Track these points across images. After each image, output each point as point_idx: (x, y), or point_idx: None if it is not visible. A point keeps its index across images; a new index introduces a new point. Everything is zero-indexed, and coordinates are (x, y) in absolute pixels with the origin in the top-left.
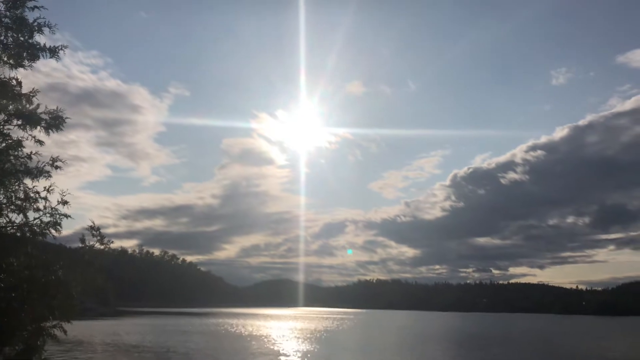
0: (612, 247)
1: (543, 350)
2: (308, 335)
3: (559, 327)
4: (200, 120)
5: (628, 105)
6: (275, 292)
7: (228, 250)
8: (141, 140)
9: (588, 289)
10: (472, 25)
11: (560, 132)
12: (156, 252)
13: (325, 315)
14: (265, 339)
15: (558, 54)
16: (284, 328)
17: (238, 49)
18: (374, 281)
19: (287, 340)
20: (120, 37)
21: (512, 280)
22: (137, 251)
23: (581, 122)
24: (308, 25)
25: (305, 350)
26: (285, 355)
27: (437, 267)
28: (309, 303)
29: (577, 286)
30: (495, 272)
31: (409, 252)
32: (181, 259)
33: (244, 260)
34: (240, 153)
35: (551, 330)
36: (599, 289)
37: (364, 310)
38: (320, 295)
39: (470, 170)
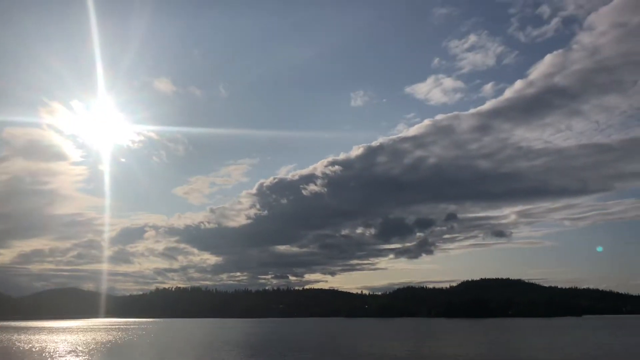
0: (391, 255)
1: (328, 352)
2: (94, 349)
3: (344, 330)
4: None
5: (412, 131)
6: (60, 302)
7: (3, 256)
8: None
9: (370, 293)
10: (283, 43)
11: (356, 151)
12: None
13: (117, 327)
14: (45, 355)
15: (357, 77)
16: (69, 342)
17: (22, 39)
18: (173, 289)
19: (70, 355)
20: None
21: (307, 286)
22: None
23: (374, 143)
24: (100, 17)
25: None
26: None
27: (239, 274)
28: (100, 314)
29: (362, 291)
30: (292, 278)
31: (211, 259)
32: None
33: (23, 267)
34: (25, 145)
35: (337, 333)
36: (379, 293)
37: (161, 320)
38: (113, 305)
39: (276, 180)
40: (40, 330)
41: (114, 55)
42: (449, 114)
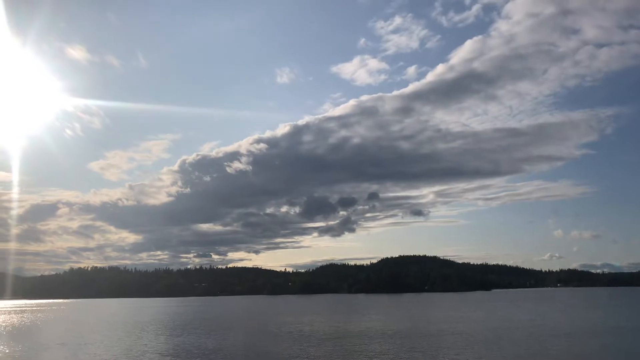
0: (315, 234)
1: (250, 329)
2: (1, 333)
3: (268, 307)
4: None
5: (337, 111)
6: None
7: None
8: None
9: (294, 271)
10: (207, 14)
11: (282, 129)
12: None
13: (26, 309)
14: None
15: (283, 54)
16: None
17: None
18: (89, 269)
19: None
20: None
21: (230, 265)
22: None
23: (299, 122)
24: None
25: None
26: None
27: (159, 253)
28: (7, 295)
29: (285, 269)
30: (215, 257)
31: (129, 237)
32: None
33: None
34: None
35: (261, 310)
36: (303, 271)
37: (76, 300)
38: (22, 286)
39: (199, 157)
40: None
41: (21, 15)
42: (374, 95)
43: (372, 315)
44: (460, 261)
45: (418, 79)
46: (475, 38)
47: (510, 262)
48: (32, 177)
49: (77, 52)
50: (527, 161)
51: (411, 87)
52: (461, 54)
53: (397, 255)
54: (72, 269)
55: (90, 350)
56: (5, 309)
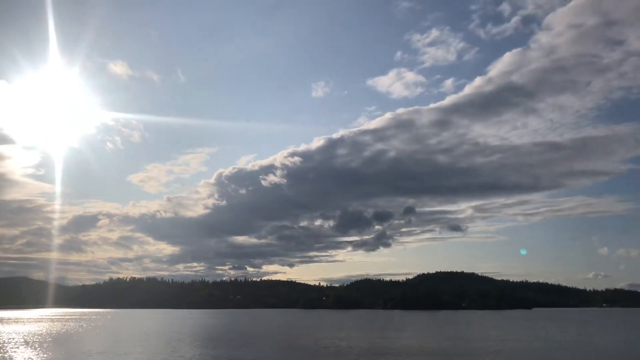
0: (349, 248)
1: (281, 342)
2: (44, 340)
3: (300, 321)
4: None
5: (372, 124)
6: (9, 291)
7: None
8: None
9: (328, 285)
10: (245, 31)
11: (317, 142)
12: None
13: (68, 317)
14: None
15: (319, 68)
16: (17, 332)
17: None
18: (128, 279)
19: (17, 346)
20: None
21: (265, 278)
22: None
23: (334, 135)
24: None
25: (37, 356)
26: None
27: (195, 264)
28: (51, 304)
29: (319, 283)
30: (250, 269)
31: (167, 249)
32: None
33: None
34: None
35: (292, 324)
36: (337, 285)
37: (115, 310)
38: (65, 295)
39: (235, 170)
40: None
41: (69, 37)
42: (410, 108)
43: (410, 332)
44: (499, 278)
45: (455, 92)
46: (514, 50)
47: (551, 280)
48: (74, 189)
49: (118, 68)
50: (569, 176)
51: (448, 100)
52: (500, 67)
53: (433, 272)
54: (111, 279)
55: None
56: (48, 317)
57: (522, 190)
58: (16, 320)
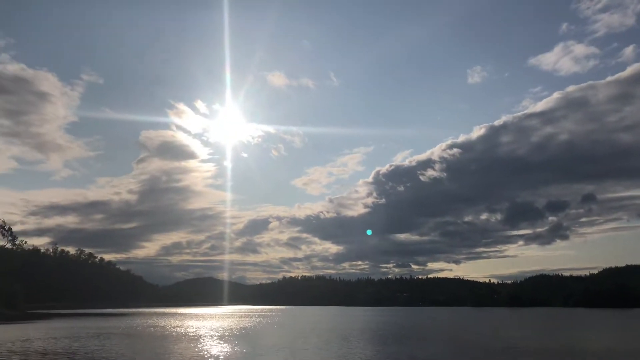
0: (521, 242)
1: (460, 340)
2: (232, 334)
3: (473, 319)
4: (115, 110)
5: (539, 106)
6: (198, 290)
7: (147, 249)
8: (50, 130)
9: (499, 282)
10: (393, 26)
11: (477, 132)
12: (71, 250)
13: (249, 313)
14: (187, 339)
15: (474, 53)
16: (208, 327)
17: (158, 41)
18: (299, 278)
19: (210, 339)
20: (24, 17)
21: (430, 275)
22: (51, 250)
23: (496, 122)
24: (232, 19)
25: (229, 349)
26: (209, 355)
27: (360, 262)
28: (233, 301)
29: (489, 280)
30: (414, 267)
31: (332, 248)
32: (99, 257)
33: (165, 258)
34: (159, 146)
35: (467, 322)
36: (509, 282)
37: (288, 307)
38: (244, 293)
39: (392, 167)
40: (186, 316)
41: (241, 55)
42: (582, 85)
43: (607, 332)
44: None
45: (638, 60)
46: None
47: None
48: (247, 195)
49: (277, 79)
50: None
51: (629, 70)
52: None
53: (622, 265)
54: (284, 278)
55: (306, 355)
56: (232, 313)
57: None
58: (208, 317)
